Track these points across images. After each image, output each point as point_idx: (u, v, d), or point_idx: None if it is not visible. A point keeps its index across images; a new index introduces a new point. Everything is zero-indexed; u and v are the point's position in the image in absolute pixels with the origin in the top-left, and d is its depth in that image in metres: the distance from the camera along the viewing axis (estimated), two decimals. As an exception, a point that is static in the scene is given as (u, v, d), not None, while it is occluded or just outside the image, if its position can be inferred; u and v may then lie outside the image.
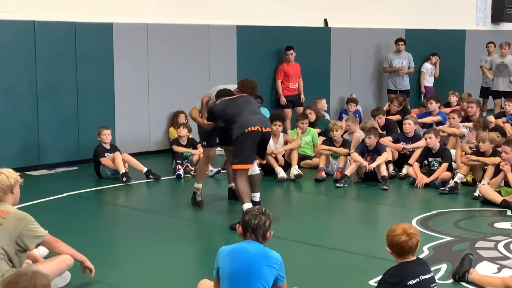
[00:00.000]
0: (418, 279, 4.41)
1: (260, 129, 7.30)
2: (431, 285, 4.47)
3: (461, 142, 10.55)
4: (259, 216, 4.55)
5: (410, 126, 10.29)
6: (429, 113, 11.98)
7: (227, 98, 7.68)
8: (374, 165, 9.36)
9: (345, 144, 10.15)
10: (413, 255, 4.53)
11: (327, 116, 12.87)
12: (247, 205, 7.07)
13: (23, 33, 10.11)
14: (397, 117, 12.33)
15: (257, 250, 4.50)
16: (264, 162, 7.90)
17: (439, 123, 11.65)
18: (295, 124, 11.31)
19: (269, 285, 4.47)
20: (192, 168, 10.07)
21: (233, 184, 8.40)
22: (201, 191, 8.29)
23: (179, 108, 11.80)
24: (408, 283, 4.39)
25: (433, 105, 11.93)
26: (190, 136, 10.46)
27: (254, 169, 7.58)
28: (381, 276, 4.62)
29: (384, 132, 10.93)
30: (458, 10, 17.22)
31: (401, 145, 10.14)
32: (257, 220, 4.53)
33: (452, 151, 9.96)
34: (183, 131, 10.38)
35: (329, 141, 10.26)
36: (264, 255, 4.49)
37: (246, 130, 7.25)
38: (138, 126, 11.56)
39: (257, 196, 7.57)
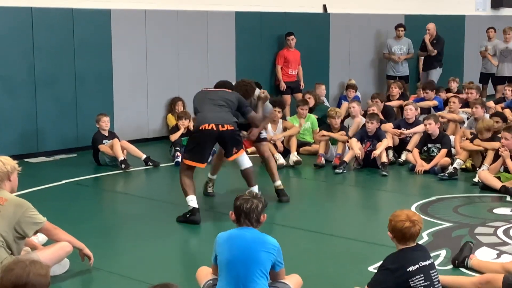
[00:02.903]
0: (418, 266, 4.41)
1: (214, 128, 6.95)
2: (431, 271, 4.47)
3: (460, 128, 10.54)
4: (250, 200, 4.51)
5: (411, 111, 10.27)
6: (426, 100, 11.96)
7: (206, 89, 7.49)
8: (377, 152, 9.33)
9: (343, 130, 10.14)
10: (414, 241, 4.53)
11: (326, 102, 12.85)
12: (190, 197, 6.98)
13: (20, 20, 10.06)
14: (398, 102, 12.30)
15: (254, 236, 4.49)
16: (231, 159, 7.30)
17: (435, 108, 11.64)
18: (294, 110, 11.28)
19: (267, 270, 4.48)
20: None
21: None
22: (213, 182, 8.14)
23: (177, 95, 11.77)
24: (408, 269, 4.40)
25: (429, 94, 11.90)
26: (189, 125, 10.34)
27: (244, 162, 7.33)
28: (381, 262, 4.62)
29: (383, 118, 10.91)
30: (457, -5, 17.18)
31: (398, 131, 10.11)
32: (249, 205, 4.50)
33: (452, 137, 9.95)
34: (185, 123, 10.28)
35: (327, 128, 10.23)
36: (261, 241, 4.48)
37: (200, 128, 7.01)
38: (137, 113, 11.54)
39: (255, 189, 7.34)
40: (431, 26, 14.29)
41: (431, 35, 14.29)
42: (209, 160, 8.44)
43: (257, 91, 7.77)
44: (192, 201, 7.02)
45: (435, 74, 14.35)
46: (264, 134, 8.04)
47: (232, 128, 7.05)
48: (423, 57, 14.81)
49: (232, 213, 4.60)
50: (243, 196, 4.59)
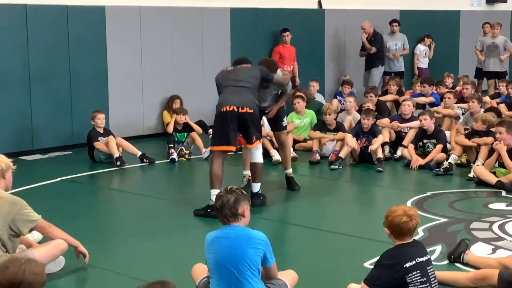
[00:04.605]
0: (414, 262, 4.40)
1: (236, 110, 7.01)
2: (427, 268, 4.46)
3: (455, 123, 10.55)
4: (223, 197, 4.43)
5: (409, 107, 10.26)
6: (423, 95, 11.98)
7: (227, 68, 7.57)
8: (374, 147, 9.33)
9: (340, 127, 10.14)
10: (411, 237, 4.52)
11: (319, 98, 12.82)
12: (213, 191, 6.93)
13: (14, 17, 10.03)
14: (394, 97, 12.30)
15: (239, 234, 4.41)
16: (252, 146, 7.29)
17: (432, 104, 11.64)
18: (290, 106, 11.26)
19: (258, 267, 4.41)
20: (187, 152, 10.04)
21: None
22: (248, 178, 8.00)
23: (173, 91, 11.75)
24: (404, 266, 4.39)
25: (427, 88, 11.90)
26: (186, 120, 10.35)
27: (257, 156, 7.35)
28: (378, 258, 4.61)
29: (376, 113, 10.90)
30: (452, -10, 17.18)
31: (395, 123, 10.11)
32: (220, 202, 4.43)
33: (447, 133, 9.96)
34: (182, 118, 10.28)
35: (322, 124, 10.23)
36: (246, 237, 4.40)
37: (222, 110, 7.05)
38: (132, 110, 11.52)
39: (255, 187, 7.37)
40: (366, 25, 13.92)
41: (368, 33, 13.85)
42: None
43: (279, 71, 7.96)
44: (214, 195, 6.90)
45: (377, 73, 13.95)
46: (285, 122, 8.27)
47: (252, 111, 7.08)
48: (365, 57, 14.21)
49: None
50: (218, 194, 4.52)
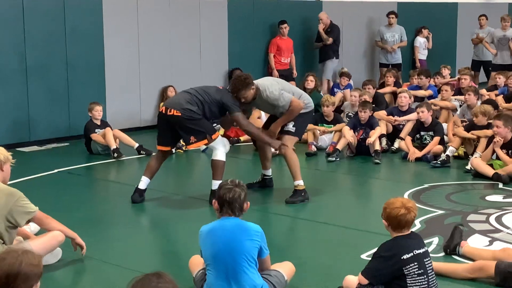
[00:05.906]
0: (412, 254, 4.40)
1: (164, 111, 7.02)
2: (425, 260, 4.46)
3: (453, 115, 10.55)
4: (233, 190, 4.45)
5: (405, 99, 10.26)
6: (420, 87, 11.98)
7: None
8: (372, 139, 9.33)
9: (338, 119, 10.13)
10: (408, 229, 4.52)
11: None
12: (142, 177, 7.25)
13: (11, 9, 9.99)
14: (392, 89, 12.30)
15: (235, 226, 4.42)
16: (190, 147, 7.25)
17: (430, 97, 11.65)
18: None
19: (255, 258, 4.42)
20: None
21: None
22: (262, 176, 7.88)
23: (170, 83, 11.72)
24: (402, 257, 4.38)
25: (423, 80, 11.90)
26: None
27: (215, 153, 7.15)
28: (375, 250, 4.61)
29: (373, 105, 10.91)
30: (450, -17, 17.17)
31: (392, 118, 10.13)
32: (231, 194, 4.44)
33: (444, 125, 9.96)
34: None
35: (319, 116, 10.22)
36: (243, 229, 4.42)
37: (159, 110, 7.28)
38: (129, 102, 11.50)
39: (214, 184, 7.05)
40: (323, 16, 13.73)
41: (325, 24, 13.65)
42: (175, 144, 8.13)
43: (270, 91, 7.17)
44: (142, 182, 7.25)
45: (330, 65, 13.77)
46: (289, 127, 7.36)
47: (179, 114, 6.91)
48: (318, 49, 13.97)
49: (215, 202, 4.54)
50: (225, 185, 4.50)
